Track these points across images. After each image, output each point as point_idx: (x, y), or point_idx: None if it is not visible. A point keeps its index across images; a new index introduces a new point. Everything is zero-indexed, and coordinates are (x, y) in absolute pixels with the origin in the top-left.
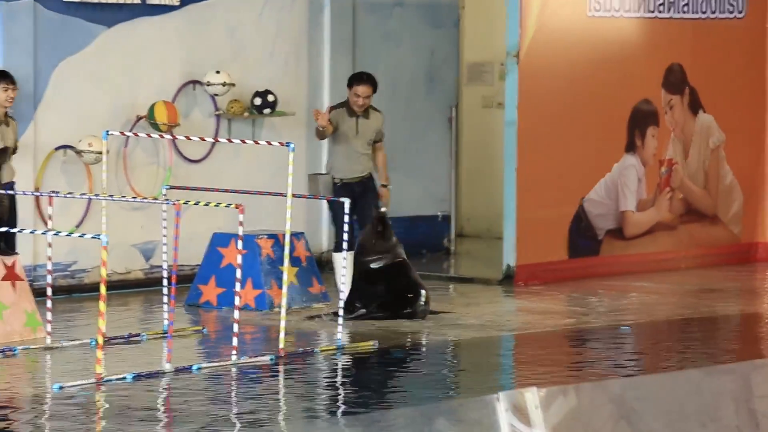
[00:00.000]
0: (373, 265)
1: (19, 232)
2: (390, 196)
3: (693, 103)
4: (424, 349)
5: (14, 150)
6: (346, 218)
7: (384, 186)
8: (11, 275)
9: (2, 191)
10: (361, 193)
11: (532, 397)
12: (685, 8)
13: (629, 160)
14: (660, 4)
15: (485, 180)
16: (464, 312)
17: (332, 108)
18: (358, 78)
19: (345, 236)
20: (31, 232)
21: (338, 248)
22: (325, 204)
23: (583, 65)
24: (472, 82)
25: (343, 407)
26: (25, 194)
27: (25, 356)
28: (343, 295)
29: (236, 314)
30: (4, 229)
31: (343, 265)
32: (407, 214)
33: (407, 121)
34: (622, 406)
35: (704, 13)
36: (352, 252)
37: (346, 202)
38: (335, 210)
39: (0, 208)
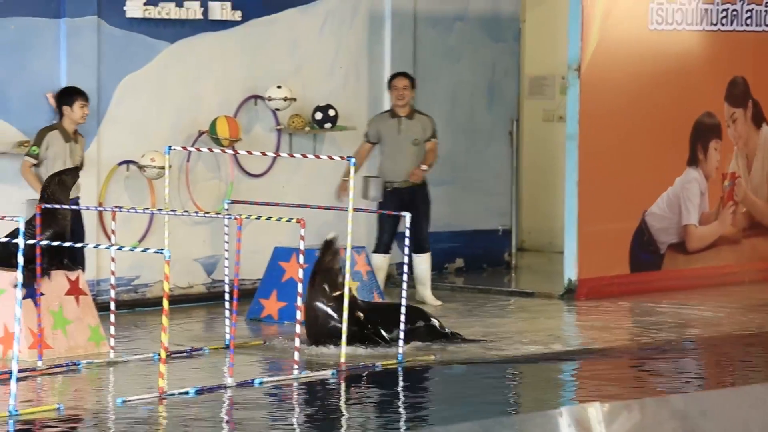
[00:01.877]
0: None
1: (82, 247)
2: (420, 174)
3: (756, 117)
4: (484, 363)
5: (81, 166)
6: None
7: (422, 167)
8: (75, 290)
9: (66, 206)
10: (410, 199)
11: (595, 412)
12: (748, 21)
13: (691, 173)
14: (722, 17)
15: (546, 194)
16: (525, 327)
17: (374, 117)
18: (395, 73)
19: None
20: (95, 247)
21: (378, 249)
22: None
23: (645, 78)
24: (533, 96)
25: (404, 422)
26: (88, 209)
27: (88, 371)
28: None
29: (297, 328)
30: (68, 244)
31: (380, 266)
32: (468, 228)
33: (468, 135)
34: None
35: (767, 25)
36: (380, 254)
37: (407, 216)
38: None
39: (62, 222)
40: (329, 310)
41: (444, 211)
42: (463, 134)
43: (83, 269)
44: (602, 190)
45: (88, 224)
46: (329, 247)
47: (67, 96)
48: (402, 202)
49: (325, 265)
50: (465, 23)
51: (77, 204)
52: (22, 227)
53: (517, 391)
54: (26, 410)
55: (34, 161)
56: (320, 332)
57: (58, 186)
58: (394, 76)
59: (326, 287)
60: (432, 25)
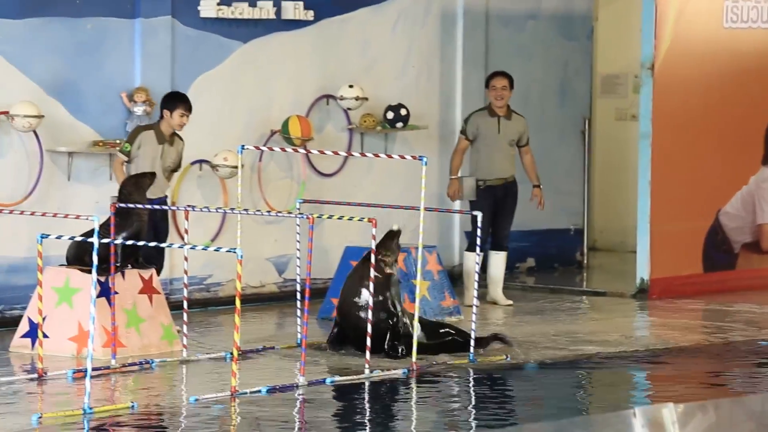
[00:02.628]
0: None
1: (155, 246)
2: (543, 195)
3: None
4: (557, 363)
5: (176, 168)
6: (479, 222)
7: (536, 186)
8: (148, 289)
9: (141, 206)
10: (502, 197)
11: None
12: None
13: (767, 172)
14: None
15: (618, 193)
16: (597, 327)
17: (472, 113)
18: (494, 72)
19: (478, 240)
20: (168, 246)
21: (471, 247)
22: (457, 217)
23: (719, 77)
24: (605, 95)
25: (475, 422)
26: (161, 208)
27: (161, 369)
28: (471, 293)
29: (369, 328)
30: (141, 243)
31: (476, 261)
32: (539, 228)
33: (540, 134)
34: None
35: None
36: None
37: (479, 216)
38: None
39: (138, 222)
40: (364, 291)
41: (515, 210)
42: (534, 133)
43: (160, 269)
44: (675, 188)
45: None
46: (392, 238)
47: (171, 101)
48: (495, 199)
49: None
50: (537, 21)
51: (165, 203)
52: (96, 226)
53: (589, 391)
54: (100, 408)
55: (125, 158)
56: (348, 304)
57: (134, 187)
58: (492, 76)
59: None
60: (504, 24)
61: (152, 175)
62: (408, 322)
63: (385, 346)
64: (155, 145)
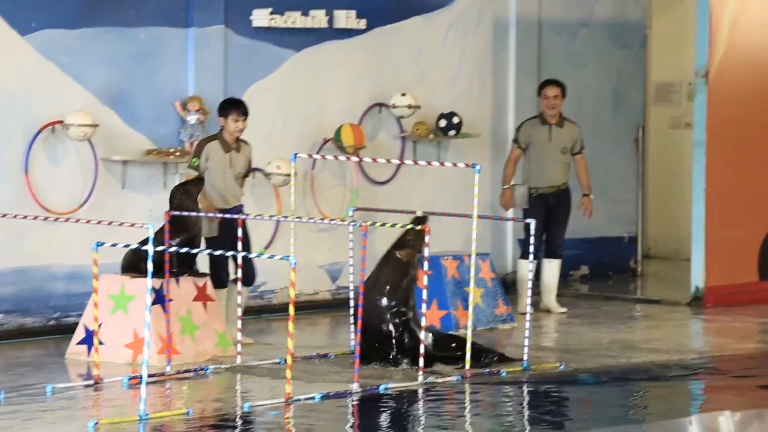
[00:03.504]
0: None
1: (209, 254)
2: (591, 205)
3: None
4: (611, 372)
5: (246, 174)
6: (532, 230)
7: (586, 195)
8: (202, 296)
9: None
10: (554, 204)
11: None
12: None
13: None
14: None
15: (672, 200)
16: (652, 335)
17: (523, 122)
18: (546, 81)
19: (531, 248)
20: (222, 255)
21: (525, 255)
22: (510, 225)
23: None
24: (659, 102)
25: (528, 430)
26: (215, 216)
27: (216, 376)
28: (525, 301)
29: (422, 335)
30: (196, 251)
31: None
32: (593, 236)
33: (593, 142)
34: None
35: None
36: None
37: (532, 223)
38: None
39: (193, 230)
40: (385, 301)
41: (569, 217)
42: (588, 141)
43: (252, 279)
44: (730, 196)
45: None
46: (419, 222)
47: (224, 108)
48: (547, 207)
49: (403, 248)
50: (590, 30)
51: (241, 212)
52: (151, 234)
53: (645, 399)
54: (156, 414)
55: (195, 173)
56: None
57: (185, 195)
58: (544, 84)
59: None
60: (557, 32)
61: (200, 180)
62: (416, 329)
63: (390, 356)
64: (222, 155)
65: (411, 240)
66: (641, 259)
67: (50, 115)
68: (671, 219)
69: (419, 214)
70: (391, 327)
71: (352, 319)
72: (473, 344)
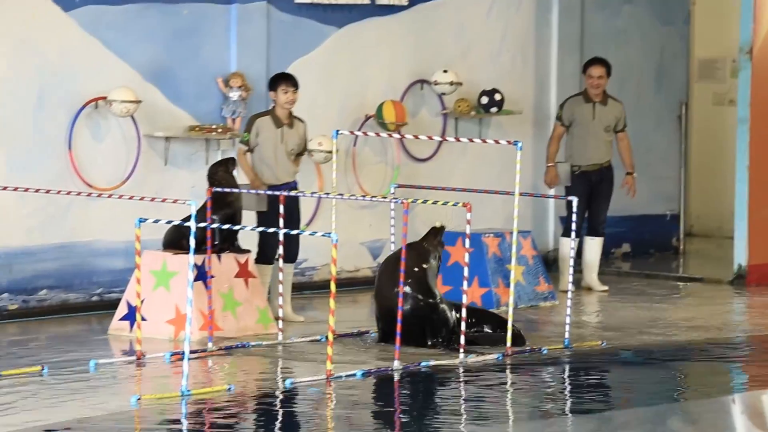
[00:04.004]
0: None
1: (252, 230)
2: (635, 183)
3: None
4: (652, 349)
5: (302, 152)
6: (575, 208)
7: (629, 173)
8: (244, 273)
9: (236, 190)
10: (597, 182)
11: None
12: None
13: None
14: None
15: (715, 178)
16: (694, 313)
17: (567, 99)
18: (591, 60)
19: (573, 226)
20: (263, 231)
21: (567, 233)
22: (552, 202)
23: None
24: (702, 79)
25: (570, 407)
26: (258, 193)
27: (257, 352)
28: (566, 279)
29: (463, 312)
30: (238, 227)
31: (571, 247)
32: (635, 213)
33: (636, 119)
34: None
35: None
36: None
37: (574, 201)
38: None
39: (234, 206)
40: (408, 289)
41: (611, 195)
42: (631, 118)
43: (294, 256)
44: None
45: None
46: (435, 235)
47: (272, 82)
48: (589, 185)
49: (422, 246)
50: (633, 6)
51: (295, 189)
52: (193, 211)
53: (687, 377)
54: (198, 390)
55: (246, 147)
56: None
57: (225, 173)
58: (589, 63)
59: (413, 259)
60: (600, 8)
61: (232, 160)
62: (446, 308)
63: (428, 342)
64: (273, 130)
65: (430, 244)
66: (683, 237)
67: (93, 92)
68: (714, 196)
69: (437, 225)
70: (422, 312)
71: None
72: (501, 322)
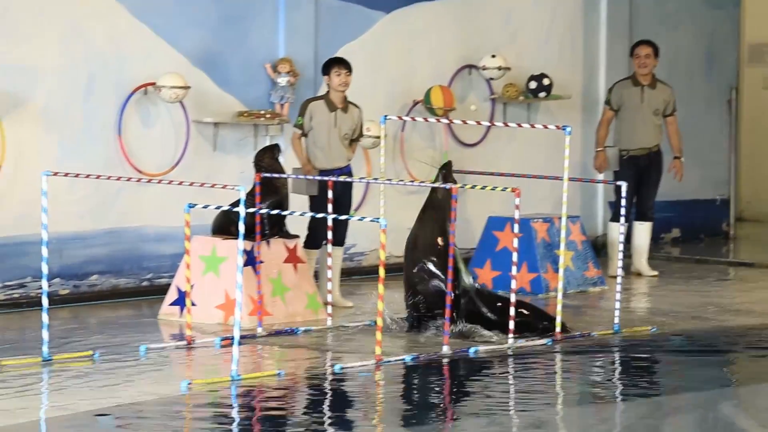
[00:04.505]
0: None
1: (301, 215)
2: (682, 168)
3: None
4: (703, 335)
5: (357, 137)
6: (623, 193)
7: (677, 158)
8: (293, 258)
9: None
10: (645, 167)
11: None
12: None
13: None
14: None
15: (766, 163)
16: (744, 298)
17: (615, 83)
18: (639, 41)
19: (622, 210)
20: (312, 216)
21: (616, 217)
22: (600, 187)
23: None
24: (753, 63)
25: (620, 392)
26: (306, 178)
27: (306, 337)
28: (615, 264)
29: (512, 297)
30: (286, 212)
31: (620, 232)
32: (685, 198)
33: (685, 104)
34: None
35: None
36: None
37: (623, 186)
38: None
39: (282, 191)
40: (432, 267)
41: (660, 180)
42: (680, 103)
43: (341, 241)
44: None
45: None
46: (445, 178)
47: (325, 66)
48: (638, 169)
49: (438, 202)
50: None
51: (349, 174)
52: (242, 196)
53: (738, 363)
54: (248, 375)
55: (300, 131)
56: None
57: (271, 159)
58: (637, 44)
59: (436, 231)
60: None
61: (277, 146)
62: (473, 295)
63: (457, 326)
64: (327, 114)
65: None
66: (734, 222)
67: (143, 78)
68: (764, 181)
69: (441, 164)
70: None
71: None
72: (529, 307)
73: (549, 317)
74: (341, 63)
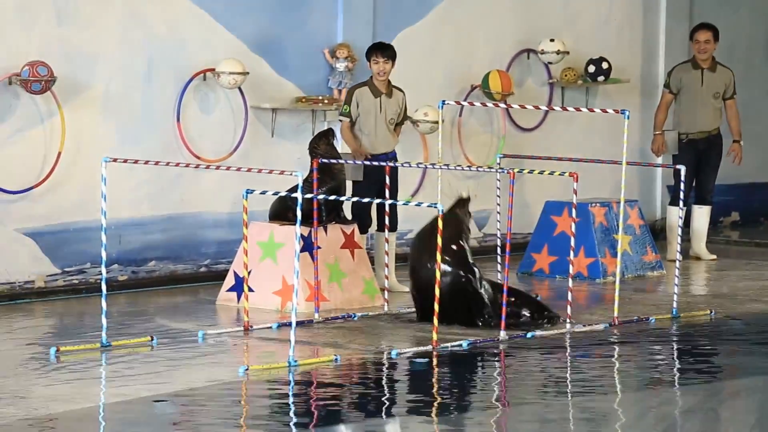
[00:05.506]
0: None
1: (356, 201)
2: (741, 151)
3: None
4: (762, 318)
5: (401, 121)
6: (682, 176)
7: (736, 141)
8: (350, 243)
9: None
10: (704, 150)
11: None
12: None
13: None
14: None
15: None
16: None
17: (675, 66)
18: (698, 25)
19: (681, 195)
20: (369, 202)
21: (674, 201)
22: (659, 171)
23: None
24: None
25: (678, 377)
26: (363, 163)
27: (363, 323)
28: (674, 248)
29: (570, 282)
30: (343, 198)
31: (679, 216)
32: (744, 182)
33: (745, 87)
34: None
35: None
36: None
37: (682, 170)
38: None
39: (338, 177)
40: (447, 266)
41: (720, 164)
42: (740, 86)
43: (394, 227)
44: None
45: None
46: (463, 205)
47: (367, 52)
48: (697, 153)
49: (456, 217)
50: None
51: (395, 159)
52: (300, 182)
53: None
54: (305, 361)
55: (346, 119)
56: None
57: (327, 145)
58: (696, 29)
59: (449, 231)
60: None
61: (332, 131)
62: (487, 286)
63: (479, 321)
64: (372, 100)
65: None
66: None
67: (201, 64)
68: None
69: (463, 195)
70: (464, 288)
71: (499, 267)
72: (533, 301)
73: (544, 307)
74: (378, 50)
